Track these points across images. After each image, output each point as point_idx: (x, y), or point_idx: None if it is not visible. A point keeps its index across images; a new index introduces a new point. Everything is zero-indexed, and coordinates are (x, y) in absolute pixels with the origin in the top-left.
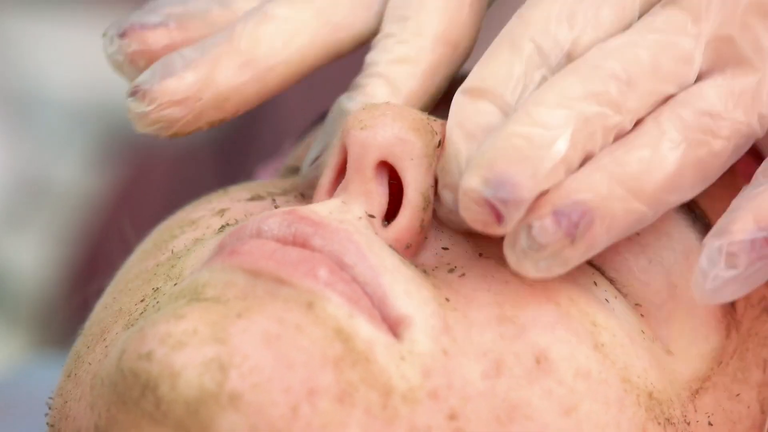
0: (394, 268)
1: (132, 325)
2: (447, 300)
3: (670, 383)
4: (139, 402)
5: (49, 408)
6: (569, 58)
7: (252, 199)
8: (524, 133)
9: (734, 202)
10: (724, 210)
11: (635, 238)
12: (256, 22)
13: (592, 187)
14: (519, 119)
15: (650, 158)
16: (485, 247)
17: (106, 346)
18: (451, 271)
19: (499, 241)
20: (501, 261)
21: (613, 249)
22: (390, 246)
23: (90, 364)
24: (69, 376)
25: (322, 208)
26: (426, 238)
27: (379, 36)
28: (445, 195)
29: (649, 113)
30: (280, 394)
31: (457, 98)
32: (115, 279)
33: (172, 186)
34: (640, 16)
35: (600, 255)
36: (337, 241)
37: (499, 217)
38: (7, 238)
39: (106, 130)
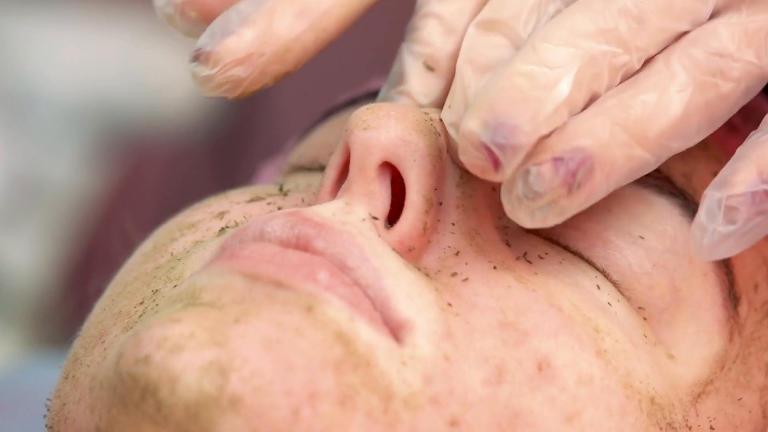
0: (397, 271)
1: (131, 327)
2: (449, 305)
3: (672, 388)
4: (139, 405)
5: (48, 410)
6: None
7: (251, 200)
8: (527, 71)
9: (739, 151)
10: None
11: (640, 242)
12: None
13: (594, 132)
14: (524, 56)
15: (656, 102)
16: (490, 252)
17: (104, 349)
18: (453, 275)
19: (501, 243)
20: (504, 265)
21: (618, 252)
22: (393, 248)
23: (89, 366)
24: (67, 378)
25: (325, 210)
26: (429, 241)
27: None
28: (453, 134)
29: (660, 52)
30: (282, 397)
31: (470, 32)
32: (114, 281)
33: (169, 184)
34: None
35: (604, 258)
36: (340, 243)
37: (496, 163)
38: (2, 236)
39: (102, 129)
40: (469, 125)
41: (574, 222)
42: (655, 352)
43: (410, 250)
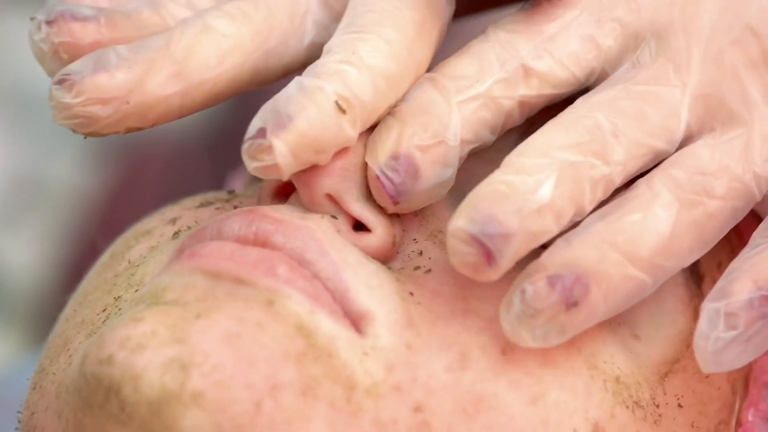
0: (356, 263)
1: (95, 332)
2: (411, 294)
3: (638, 367)
4: (104, 406)
5: (19, 422)
6: (525, 71)
7: (201, 206)
8: (507, 180)
9: (732, 265)
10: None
11: None
12: (195, 32)
13: (586, 252)
14: (502, 170)
15: (643, 221)
16: None
17: (69, 356)
18: (416, 268)
19: None
20: None
21: None
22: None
23: (54, 374)
24: (35, 389)
25: (283, 209)
26: (398, 252)
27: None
28: (368, 161)
29: (640, 175)
30: (243, 390)
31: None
32: (76, 292)
33: (166, 184)
34: (606, 62)
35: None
36: (299, 237)
37: (488, 256)
38: (2, 236)
39: None
40: (457, 223)
41: None
42: (620, 333)
43: (378, 256)
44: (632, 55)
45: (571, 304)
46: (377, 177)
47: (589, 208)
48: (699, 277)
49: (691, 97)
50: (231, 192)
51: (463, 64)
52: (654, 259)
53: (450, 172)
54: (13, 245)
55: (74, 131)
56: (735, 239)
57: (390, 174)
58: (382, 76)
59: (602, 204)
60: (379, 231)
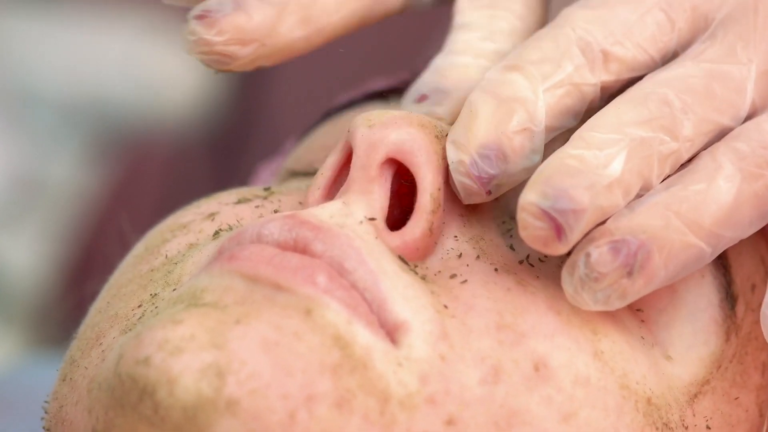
0: (394, 274)
1: (129, 329)
2: (445, 307)
3: (669, 388)
4: (137, 406)
5: (45, 412)
6: (605, 56)
7: (239, 202)
8: (578, 155)
9: None
10: None
11: None
12: None
13: (650, 219)
14: (573, 144)
15: (706, 191)
16: (492, 255)
17: (102, 351)
18: (452, 277)
19: (505, 247)
20: (506, 268)
21: None
22: (396, 250)
23: (86, 368)
24: (64, 380)
25: (323, 212)
26: (435, 242)
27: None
28: (451, 153)
29: (705, 148)
30: (278, 400)
31: (489, 74)
32: (108, 284)
33: (167, 183)
34: (679, 44)
35: None
36: (337, 246)
37: (559, 230)
38: (2, 236)
39: (101, 128)
40: (528, 197)
41: None
42: (653, 354)
43: (417, 249)
44: (702, 36)
45: (634, 268)
46: (470, 166)
47: (657, 182)
48: (733, 299)
49: (757, 73)
50: (267, 189)
51: (544, 49)
52: (715, 228)
53: (537, 158)
54: (13, 245)
55: (207, 66)
56: None
57: (481, 162)
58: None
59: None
60: (418, 215)
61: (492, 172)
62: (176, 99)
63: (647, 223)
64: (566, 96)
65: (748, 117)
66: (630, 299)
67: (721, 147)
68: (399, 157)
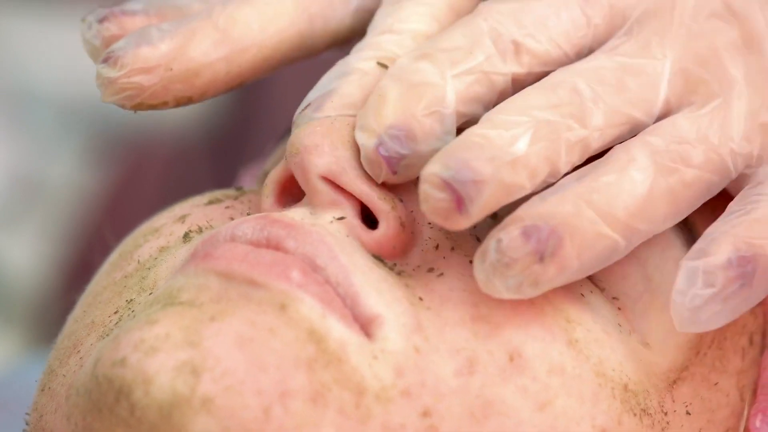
0: (366, 268)
1: (107, 335)
2: (420, 299)
3: (647, 375)
4: (113, 408)
5: (26, 423)
6: (516, 48)
7: (210, 203)
8: (483, 133)
9: (710, 229)
10: (706, 207)
11: None
12: (237, 3)
13: (561, 207)
14: (479, 125)
15: (618, 182)
16: (465, 246)
17: (80, 358)
18: (430, 270)
19: (472, 238)
20: None
21: None
22: (372, 251)
23: (64, 376)
24: (43, 390)
25: (294, 214)
26: (413, 232)
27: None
28: (360, 138)
29: (618, 142)
30: (253, 396)
31: (399, 62)
32: (85, 292)
33: (166, 184)
34: (594, 41)
35: None
36: (309, 242)
37: (459, 202)
38: (2, 236)
39: (100, 129)
40: (430, 168)
41: None
42: (630, 341)
43: (393, 248)
44: (619, 33)
45: (546, 254)
46: (375, 147)
47: (564, 169)
48: None
49: (671, 71)
50: (239, 189)
51: (455, 39)
52: (628, 220)
53: (449, 139)
54: (13, 245)
55: (123, 107)
56: None
57: (389, 142)
58: (424, 36)
59: (577, 169)
60: (382, 219)
61: (402, 152)
62: None
63: (558, 210)
64: (476, 83)
65: (663, 115)
66: (543, 288)
67: (635, 141)
68: (331, 179)
